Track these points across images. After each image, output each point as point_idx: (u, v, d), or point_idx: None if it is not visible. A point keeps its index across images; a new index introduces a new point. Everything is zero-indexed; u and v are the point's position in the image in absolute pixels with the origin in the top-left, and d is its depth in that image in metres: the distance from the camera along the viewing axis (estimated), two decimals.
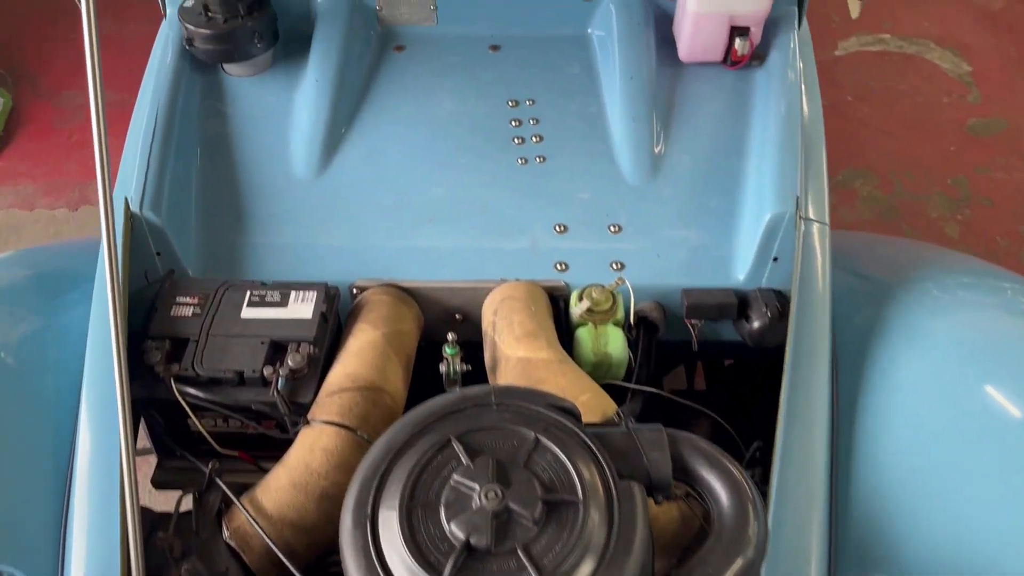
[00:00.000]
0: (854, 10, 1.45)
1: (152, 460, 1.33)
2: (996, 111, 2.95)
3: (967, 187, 2.69)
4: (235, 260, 1.41)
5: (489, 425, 0.91)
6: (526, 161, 1.54)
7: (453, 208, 1.48)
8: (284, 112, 1.61)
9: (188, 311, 1.26)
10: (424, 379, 1.32)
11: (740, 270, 1.38)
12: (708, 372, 1.77)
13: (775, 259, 1.35)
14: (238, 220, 1.46)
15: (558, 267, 1.40)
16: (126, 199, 1.34)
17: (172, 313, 1.26)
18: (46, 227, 2.67)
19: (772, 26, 1.64)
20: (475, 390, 0.95)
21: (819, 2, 3.36)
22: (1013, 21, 3.35)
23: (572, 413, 0.94)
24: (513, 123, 1.60)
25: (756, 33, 1.62)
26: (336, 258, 1.42)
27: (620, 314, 1.31)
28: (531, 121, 1.61)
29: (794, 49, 1.64)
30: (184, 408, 1.18)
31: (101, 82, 1.08)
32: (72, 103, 3.09)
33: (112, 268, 1.07)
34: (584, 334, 1.28)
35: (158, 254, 1.37)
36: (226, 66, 1.66)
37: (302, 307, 1.26)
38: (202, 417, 1.21)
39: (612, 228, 1.44)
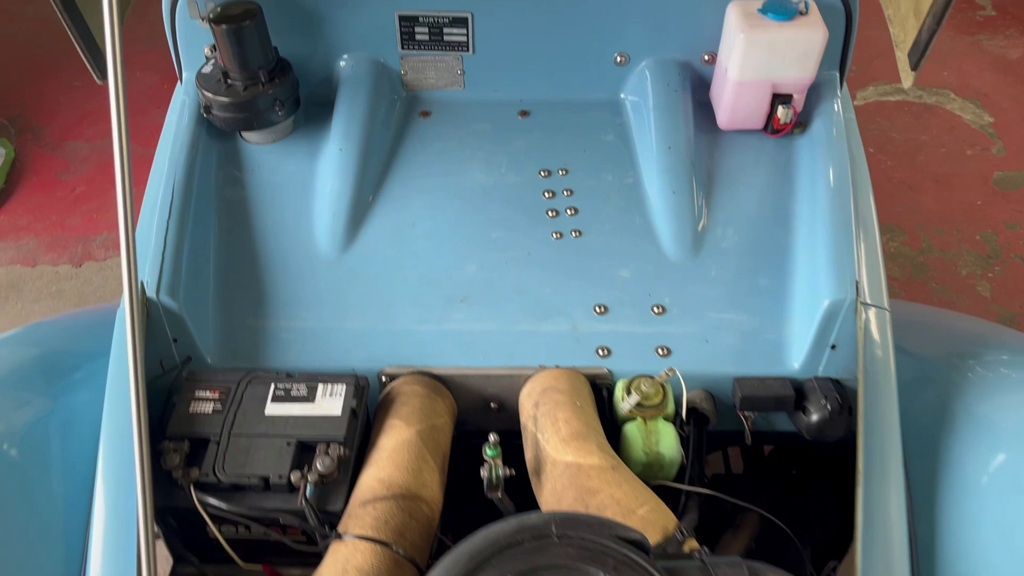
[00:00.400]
0: (906, 81, 1.39)
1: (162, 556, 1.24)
2: (1022, 164, 2.89)
3: (996, 243, 2.62)
4: (255, 346, 1.33)
5: (553, 563, 0.82)
6: (561, 235, 1.47)
7: (486, 287, 1.40)
8: (306, 182, 1.53)
9: (208, 407, 1.17)
10: (457, 471, 1.23)
11: (795, 357, 1.30)
12: (745, 452, 1.68)
13: (833, 346, 1.27)
14: (258, 302, 1.37)
15: (600, 352, 1.31)
16: (142, 284, 1.26)
17: (191, 410, 1.17)
18: (48, 284, 2.58)
19: (814, 91, 1.58)
20: (533, 519, 0.86)
21: None
22: None
23: (641, 545, 0.85)
24: (546, 194, 1.53)
25: (799, 100, 1.55)
26: (363, 342, 1.33)
27: (671, 408, 1.23)
28: (565, 192, 1.53)
29: (838, 114, 1.57)
30: (205, 518, 1.08)
31: (130, 183, 1.01)
32: (76, 154, 3.02)
33: (137, 395, 0.98)
34: (634, 431, 1.20)
35: (175, 340, 1.29)
36: (245, 133, 1.59)
37: (331, 402, 1.18)
38: (223, 524, 1.12)
39: (655, 309, 1.36)
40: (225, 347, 1.32)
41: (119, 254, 2.63)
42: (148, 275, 1.28)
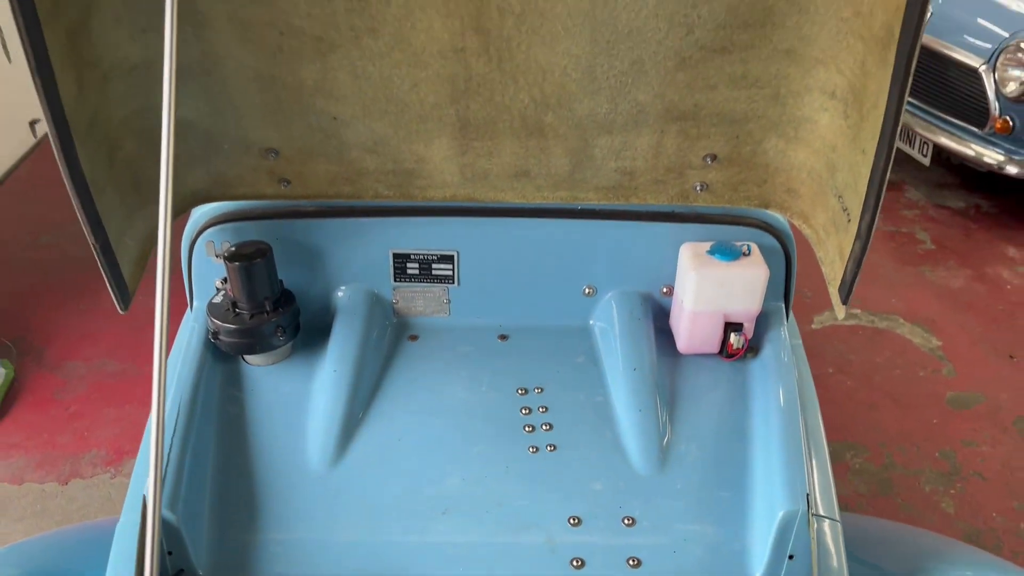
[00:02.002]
0: (839, 312, 1.58)
1: None
2: (971, 385, 3.08)
3: (956, 460, 2.74)
4: (246, 558, 1.39)
5: None
6: (537, 450, 1.58)
7: (467, 500, 1.49)
8: (301, 401, 1.66)
9: None
10: None
11: (757, 567, 1.38)
12: None
13: (791, 556, 1.36)
14: (251, 515, 1.45)
15: (574, 563, 1.39)
16: (144, 498, 1.35)
17: None
18: (33, 503, 2.61)
19: (763, 320, 1.76)
20: None
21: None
22: (972, 299, 3.59)
23: None
24: (523, 411, 1.66)
25: (749, 328, 1.73)
26: (349, 555, 1.40)
27: None
28: (540, 409, 1.66)
29: (785, 341, 1.74)
30: None
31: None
32: (74, 373, 3.15)
33: None
34: None
35: (169, 553, 1.35)
36: (247, 356, 1.73)
37: None
38: None
39: (626, 521, 1.45)
40: (218, 560, 1.38)
41: (106, 471, 2.69)
42: (150, 489, 1.37)
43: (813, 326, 3.40)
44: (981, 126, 3.96)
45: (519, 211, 1.74)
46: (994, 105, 3.86)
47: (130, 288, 1.57)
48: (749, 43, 1.37)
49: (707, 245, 1.71)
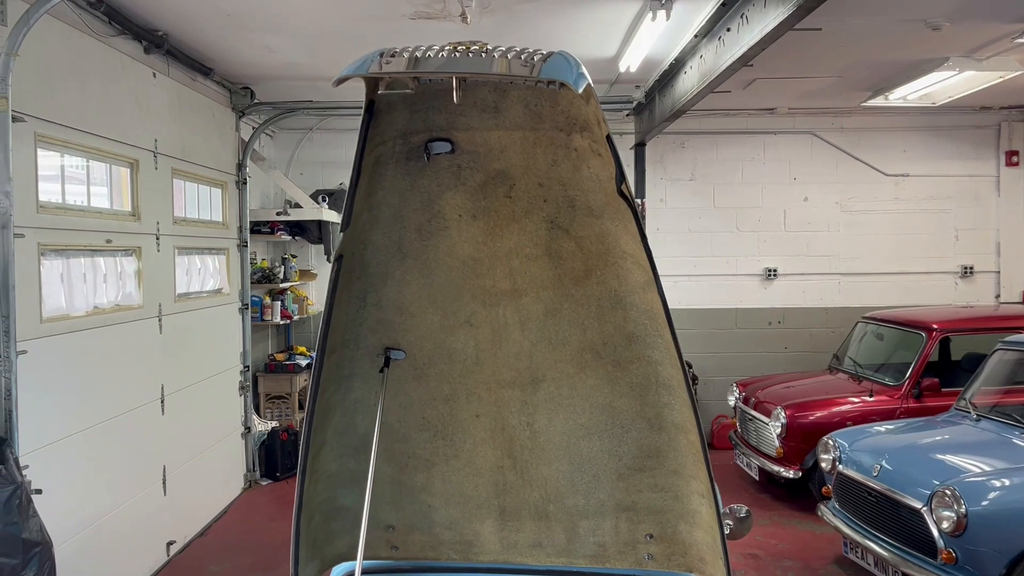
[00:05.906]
0: None
1: None
2: None
3: None
4: None
5: None
6: None
7: None
8: None
9: None
10: None
11: None
12: None
13: None
14: None
15: None
16: None
17: None
18: None
19: None
20: None
21: None
22: None
23: None
24: None
25: None
26: None
27: None
28: None
29: None
30: None
31: None
32: None
33: None
34: None
35: None
36: None
37: None
38: None
39: None
40: None
41: None
42: None
43: None
44: (934, 557, 4.83)
45: (536, 571, 2.78)
46: (938, 540, 4.78)
47: None
48: (652, 467, 2.54)
49: None
